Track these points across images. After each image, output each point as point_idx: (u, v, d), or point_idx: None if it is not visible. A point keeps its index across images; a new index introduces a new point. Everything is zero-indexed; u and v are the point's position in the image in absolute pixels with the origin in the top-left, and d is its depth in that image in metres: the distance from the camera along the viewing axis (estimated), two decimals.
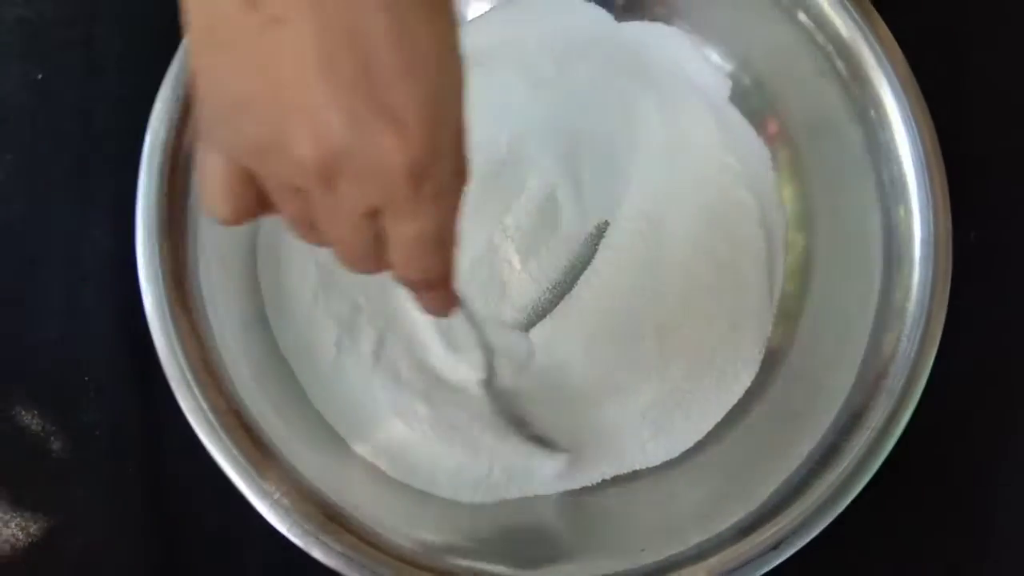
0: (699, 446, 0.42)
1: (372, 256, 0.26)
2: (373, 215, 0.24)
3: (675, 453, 0.41)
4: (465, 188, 0.25)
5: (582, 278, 0.43)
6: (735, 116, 0.44)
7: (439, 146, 0.23)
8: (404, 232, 0.24)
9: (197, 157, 0.25)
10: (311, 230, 0.26)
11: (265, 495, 0.35)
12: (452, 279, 0.28)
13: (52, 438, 0.44)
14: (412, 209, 0.24)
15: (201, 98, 0.24)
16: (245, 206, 0.26)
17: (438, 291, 0.28)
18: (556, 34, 0.45)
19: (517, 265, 0.43)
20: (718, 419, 0.42)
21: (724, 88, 0.44)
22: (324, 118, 0.22)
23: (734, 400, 0.42)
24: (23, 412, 0.44)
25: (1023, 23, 0.48)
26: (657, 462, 0.41)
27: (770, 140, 0.44)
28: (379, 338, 0.42)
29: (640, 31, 0.44)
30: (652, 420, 0.41)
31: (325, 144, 0.22)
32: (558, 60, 0.45)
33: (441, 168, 0.23)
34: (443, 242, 0.25)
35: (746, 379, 0.42)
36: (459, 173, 0.25)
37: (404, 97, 0.22)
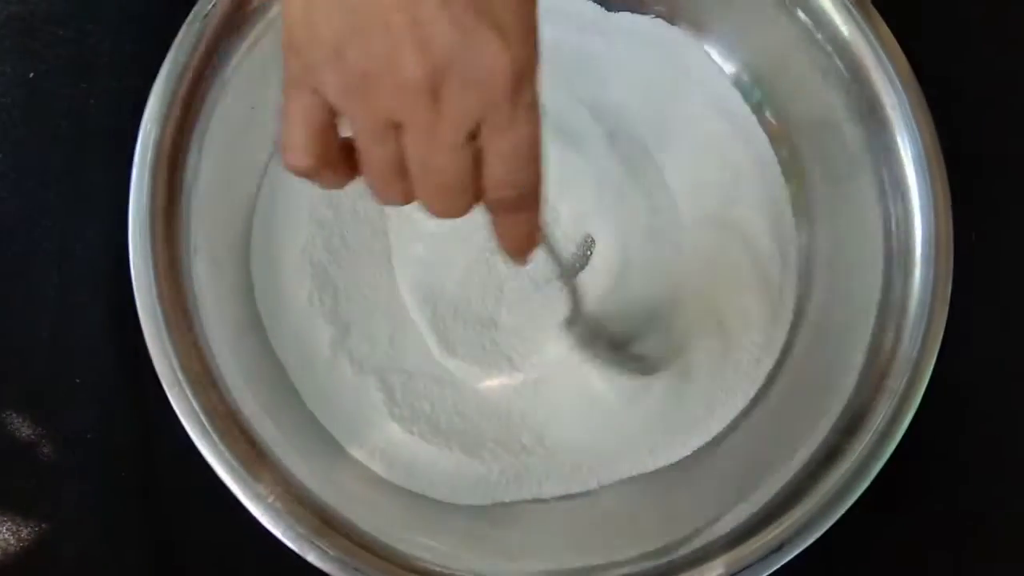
0: (700, 449, 0.41)
1: (469, 186, 0.26)
2: (473, 136, 0.25)
3: (675, 459, 0.41)
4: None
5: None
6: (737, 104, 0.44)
7: (535, 53, 0.24)
8: (503, 145, 0.25)
9: (282, 108, 0.26)
10: (399, 179, 0.26)
11: (259, 499, 0.35)
12: (541, 199, 0.28)
13: (43, 440, 0.43)
14: (512, 118, 0.25)
15: (296, 46, 0.25)
16: (328, 155, 0.27)
17: (528, 213, 0.29)
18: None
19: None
20: (722, 427, 0.41)
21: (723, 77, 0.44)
22: (432, 30, 0.23)
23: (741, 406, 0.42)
24: (13, 414, 0.43)
25: (1023, 22, 0.48)
26: (658, 467, 0.41)
27: (770, 139, 0.44)
28: (375, 340, 0.42)
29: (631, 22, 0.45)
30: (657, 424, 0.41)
31: (434, 55, 0.23)
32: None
33: (535, 75, 0.25)
34: (536, 154, 0.26)
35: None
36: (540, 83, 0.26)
37: (505, 6, 0.23)
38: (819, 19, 0.40)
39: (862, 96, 0.39)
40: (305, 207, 0.42)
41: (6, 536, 0.42)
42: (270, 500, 0.34)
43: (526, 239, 0.30)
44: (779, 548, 0.35)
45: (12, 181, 0.45)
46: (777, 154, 0.44)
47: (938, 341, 0.37)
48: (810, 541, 0.35)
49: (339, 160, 0.27)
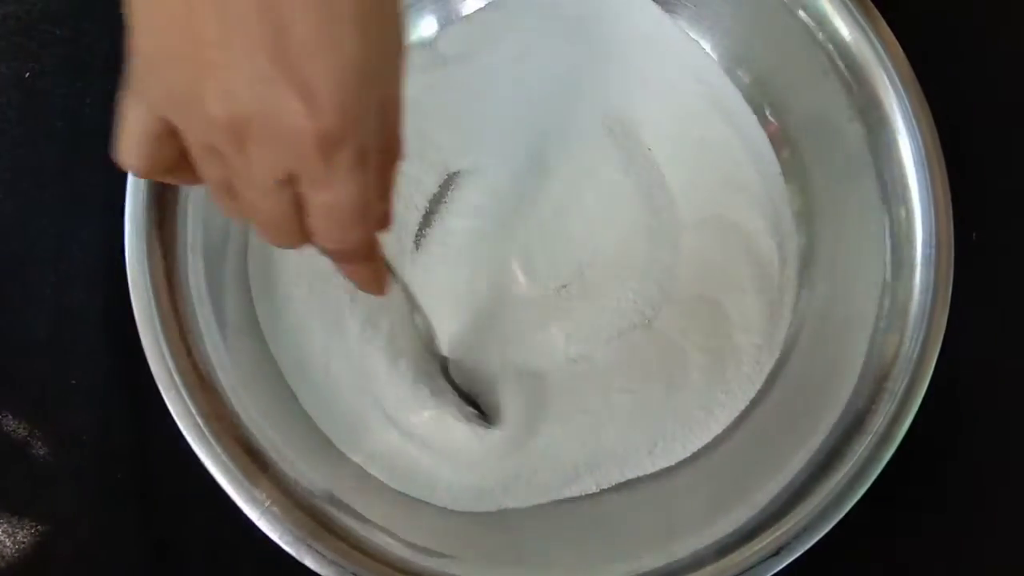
0: (699, 451, 0.41)
1: (291, 227, 0.25)
2: (288, 182, 0.24)
3: (674, 461, 0.41)
4: (398, 164, 0.25)
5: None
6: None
7: (355, 117, 0.23)
8: (319, 200, 0.24)
9: (121, 107, 0.25)
10: (231, 198, 0.26)
11: (256, 503, 0.34)
12: (377, 254, 0.27)
13: (39, 442, 0.43)
14: (326, 178, 0.23)
15: (134, 47, 0.24)
16: (159, 160, 0.26)
17: (361, 264, 0.28)
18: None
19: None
20: (721, 428, 0.41)
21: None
22: (231, 77, 0.22)
23: (740, 407, 0.41)
24: (10, 415, 0.43)
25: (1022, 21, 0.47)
26: (657, 468, 0.41)
27: (770, 139, 0.44)
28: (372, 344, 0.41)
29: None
30: (655, 429, 0.41)
31: (232, 104, 0.22)
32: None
33: (358, 140, 0.23)
34: (363, 215, 0.25)
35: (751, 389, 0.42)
36: (387, 149, 0.25)
37: (317, 65, 0.22)
38: (820, 19, 0.39)
39: (862, 96, 0.39)
40: None
41: (2, 538, 0.42)
42: (267, 505, 0.34)
43: (372, 282, 0.29)
44: (777, 552, 0.35)
45: (7, 181, 0.45)
46: (777, 154, 0.43)
47: (939, 343, 0.37)
48: (810, 544, 0.35)
49: (180, 166, 0.26)
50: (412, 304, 0.40)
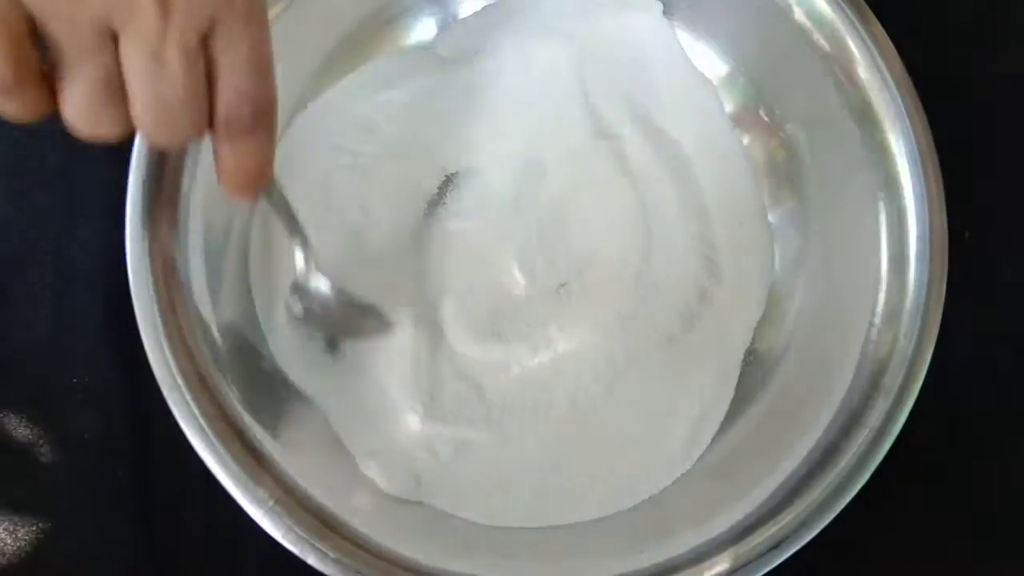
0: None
1: (198, 104, 0.24)
2: (204, 41, 0.23)
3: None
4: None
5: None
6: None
7: None
8: (239, 52, 0.24)
9: None
10: (112, 102, 0.24)
11: (260, 502, 0.35)
12: (274, 121, 0.27)
13: (40, 441, 0.43)
14: (247, 22, 0.23)
15: None
16: (27, 70, 0.23)
17: (262, 137, 0.27)
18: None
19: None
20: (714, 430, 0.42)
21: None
22: None
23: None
24: (11, 414, 0.43)
25: (1020, 20, 0.48)
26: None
27: (766, 139, 0.44)
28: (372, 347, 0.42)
29: None
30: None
31: None
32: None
33: None
34: (271, 66, 0.25)
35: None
36: None
37: None
38: (815, 19, 0.40)
39: (856, 96, 0.39)
40: (303, 210, 0.42)
41: (3, 536, 0.42)
42: (270, 504, 0.34)
43: (256, 171, 0.28)
44: (776, 546, 0.35)
45: (7, 182, 0.45)
46: (773, 154, 0.44)
47: (934, 339, 0.37)
48: (807, 539, 0.35)
49: (38, 82, 0.24)
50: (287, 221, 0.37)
